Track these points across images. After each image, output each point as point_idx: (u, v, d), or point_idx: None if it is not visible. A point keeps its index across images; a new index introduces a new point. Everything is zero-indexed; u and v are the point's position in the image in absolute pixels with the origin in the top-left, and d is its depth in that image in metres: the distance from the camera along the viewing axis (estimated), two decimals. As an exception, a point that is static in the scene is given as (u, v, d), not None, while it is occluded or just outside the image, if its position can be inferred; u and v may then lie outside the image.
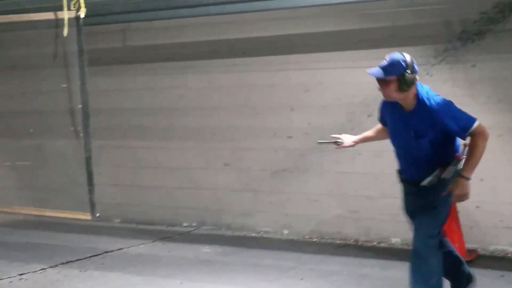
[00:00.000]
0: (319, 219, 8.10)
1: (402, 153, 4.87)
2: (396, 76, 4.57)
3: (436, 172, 4.69)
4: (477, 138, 4.55)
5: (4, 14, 7.78)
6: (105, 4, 8.10)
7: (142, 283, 6.57)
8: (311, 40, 7.93)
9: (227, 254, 7.57)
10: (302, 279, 6.47)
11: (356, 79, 7.54)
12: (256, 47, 8.28)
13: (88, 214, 7.31)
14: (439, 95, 4.71)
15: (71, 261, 7.42)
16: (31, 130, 9.50)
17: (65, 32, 6.38)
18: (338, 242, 7.90)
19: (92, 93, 7.47)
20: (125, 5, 8.21)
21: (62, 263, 7.30)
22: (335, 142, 5.29)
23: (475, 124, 4.56)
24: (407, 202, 5.02)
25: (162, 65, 9.00)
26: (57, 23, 6.74)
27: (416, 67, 4.65)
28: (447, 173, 4.70)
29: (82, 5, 6.73)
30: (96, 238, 8.52)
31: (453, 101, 4.74)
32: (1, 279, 6.77)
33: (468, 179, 4.60)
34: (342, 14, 7.68)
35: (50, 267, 7.18)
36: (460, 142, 4.81)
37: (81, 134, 7.30)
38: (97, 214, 7.21)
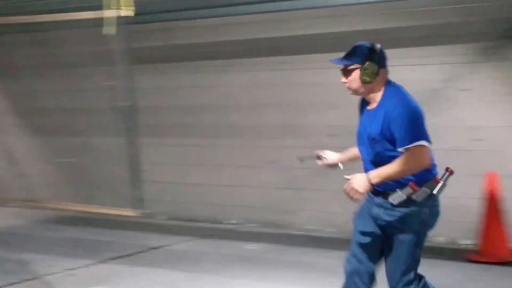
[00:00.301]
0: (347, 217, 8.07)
1: (364, 159, 4.27)
2: (358, 64, 4.12)
3: (405, 190, 4.06)
4: (410, 156, 3.92)
5: (51, 13, 7.90)
6: (150, 3, 8.18)
7: (187, 279, 6.63)
8: (356, 38, 7.90)
9: (271, 252, 7.60)
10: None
11: (401, 76, 7.49)
12: (300, 45, 8.29)
13: (135, 210, 7.38)
14: (410, 98, 4.11)
15: (118, 257, 7.51)
16: (79, 128, 9.66)
17: (111, 30, 6.45)
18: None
19: (138, 91, 7.55)
20: (169, 3, 8.29)
21: (109, 259, 7.39)
22: (318, 157, 4.71)
23: (419, 143, 3.93)
24: (363, 215, 4.39)
25: (206, 63, 9.05)
26: (103, 22, 6.83)
27: (384, 60, 4.17)
28: (419, 195, 4.07)
29: (129, 4, 6.81)
30: (142, 234, 8.61)
31: (499, 100, 4.62)
32: (51, 274, 6.87)
33: (370, 181, 3.99)
34: (387, 12, 7.65)
35: (98, 262, 7.28)
36: (434, 161, 4.15)
37: (127, 132, 7.37)
38: (147, 211, 7.28)
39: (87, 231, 8.83)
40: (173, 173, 9.47)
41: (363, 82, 4.12)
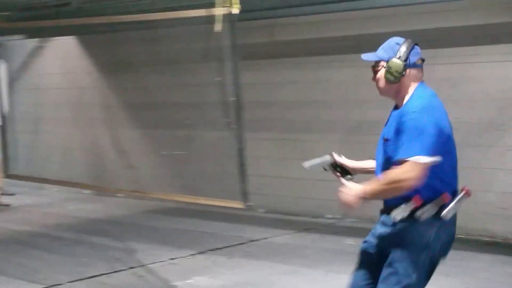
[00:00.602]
0: (466, 215, 7.95)
1: (376, 164, 3.78)
2: (384, 61, 3.65)
3: (409, 205, 3.50)
4: (403, 170, 3.40)
5: (162, 11, 8.13)
6: (254, 1, 8.29)
7: (287, 272, 6.71)
8: (459, 34, 7.80)
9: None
10: (448, 275, 6.36)
11: (507, 73, 7.37)
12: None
13: (241, 203, 7.48)
14: (433, 108, 3.55)
15: (219, 248, 7.65)
16: (186, 122, 9.87)
17: (219, 27, 6.58)
18: (486, 239, 7.74)
19: (242, 86, 7.68)
20: (273, 0, 8.38)
21: (210, 250, 7.55)
22: (332, 166, 4.08)
23: (415, 159, 3.39)
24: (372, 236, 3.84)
25: (308, 60, 9.10)
26: (211, 19, 6.97)
27: (414, 58, 3.63)
28: (423, 213, 3.51)
29: (236, 1, 6.93)
30: (242, 227, 8.74)
31: None
32: (154, 262, 7.09)
33: (364, 194, 3.53)
34: (491, 7, 7.51)
35: (199, 253, 7.45)
36: (453, 181, 3.61)
37: (234, 126, 7.48)
38: (250, 203, 7.38)
39: (190, 222, 9.04)
40: (274, 167, 9.56)
41: (388, 81, 3.64)
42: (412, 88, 3.63)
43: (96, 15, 8.72)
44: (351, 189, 3.59)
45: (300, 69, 9.17)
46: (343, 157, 4.05)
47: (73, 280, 6.58)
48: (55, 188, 11.43)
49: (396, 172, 3.42)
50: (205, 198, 8.45)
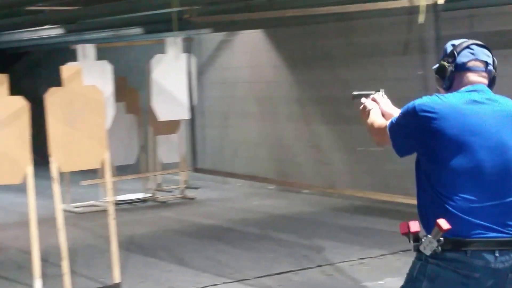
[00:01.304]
0: None
1: None
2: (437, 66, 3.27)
3: (434, 232, 3.12)
4: (383, 127, 3.29)
5: (359, 3, 7.91)
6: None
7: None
8: None
9: None
10: None
11: None
12: None
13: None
14: (440, 97, 3.16)
15: (409, 249, 7.28)
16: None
17: (422, 18, 6.27)
18: None
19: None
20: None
21: (402, 251, 7.20)
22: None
23: (388, 125, 3.24)
24: None
25: (510, 52, 8.53)
26: (412, 10, 6.67)
27: (465, 60, 3.19)
28: (425, 245, 3.19)
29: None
30: (436, 228, 8.33)
31: None
32: (342, 261, 6.91)
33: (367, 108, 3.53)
34: None
35: (390, 253, 7.16)
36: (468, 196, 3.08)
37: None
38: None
39: (381, 221, 8.68)
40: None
41: (439, 88, 3.27)
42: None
43: (287, 8, 8.61)
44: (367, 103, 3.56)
45: (502, 62, 8.57)
46: (386, 98, 3.67)
47: (260, 276, 6.54)
48: (238, 182, 11.52)
49: (378, 121, 3.41)
50: (397, 195, 8.14)
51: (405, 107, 3.21)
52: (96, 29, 10.49)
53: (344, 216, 9.15)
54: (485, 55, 3.24)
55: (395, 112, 3.47)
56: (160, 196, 10.68)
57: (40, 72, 15.81)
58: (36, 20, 9.46)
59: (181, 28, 8.55)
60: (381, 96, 3.66)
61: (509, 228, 3.09)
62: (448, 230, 3.03)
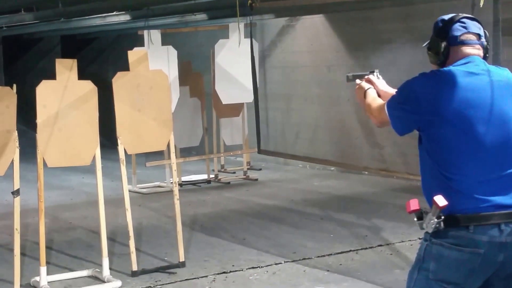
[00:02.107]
0: None
1: None
2: (429, 43, 3.28)
3: (433, 210, 3.07)
4: (381, 107, 3.30)
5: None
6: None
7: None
8: None
9: None
10: None
11: None
12: None
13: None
14: (437, 72, 3.19)
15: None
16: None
17: (481, 1, 6.22)
18: None
19: (502, 63, 7.24)
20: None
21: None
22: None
23: (386, 107, 3.23)
24: None
25: None
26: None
27: (457, 34, 3.19)
28: (426, 223, 3.12)
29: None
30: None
31: None
32: (402, 241, 6.96)
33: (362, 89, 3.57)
34: None
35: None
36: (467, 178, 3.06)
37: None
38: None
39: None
40: None
41: (433, 64, 3.25)
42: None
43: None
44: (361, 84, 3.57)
45: None
46: (381, 78, 3.68)
47: (321, 255, 6.63)
48: (299, 164, 11.61)
49: (379, 105, 3.35)
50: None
51: (402, 85, 3.22)
52: (162, 15, 10.67)
53: (402, 197, 9.04)
54: (476, 27, 3.23)
55: (391, 91, 3.48)
56: (224, 177, 10.86)
57: (108, 57, 16.13)
58: (104, 7, 9.68)
59: (244, 14, 8.65)
60: (376, 76, 3.67)
61: None
62: (445, 206, 3.00)
